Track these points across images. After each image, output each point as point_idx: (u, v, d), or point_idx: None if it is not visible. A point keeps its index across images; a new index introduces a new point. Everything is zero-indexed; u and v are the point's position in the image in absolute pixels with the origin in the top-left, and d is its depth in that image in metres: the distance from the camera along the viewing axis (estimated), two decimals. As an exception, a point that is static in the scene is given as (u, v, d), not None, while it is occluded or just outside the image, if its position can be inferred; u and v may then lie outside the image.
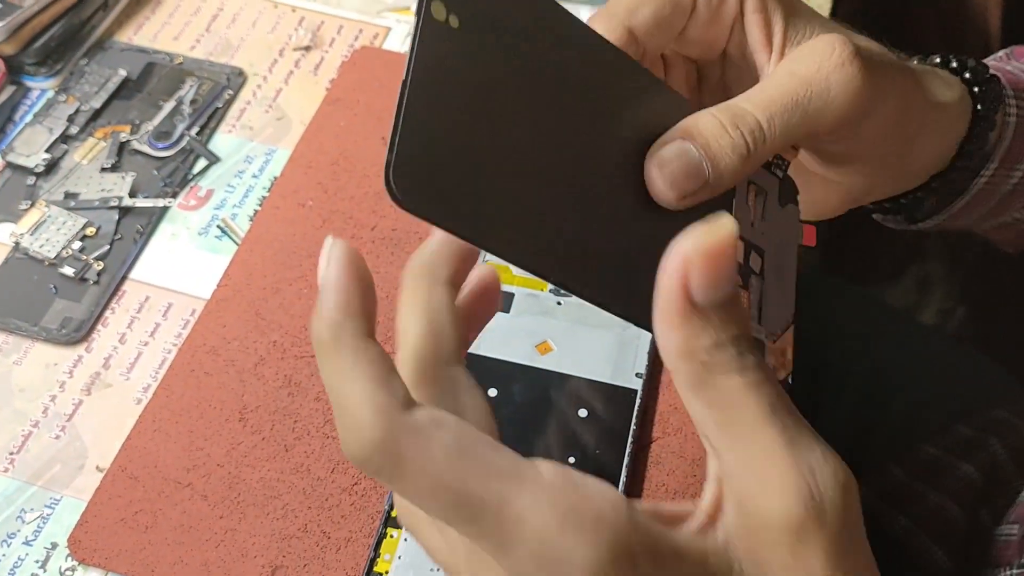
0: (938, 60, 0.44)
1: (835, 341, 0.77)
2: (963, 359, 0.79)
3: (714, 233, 0.25)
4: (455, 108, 0.27)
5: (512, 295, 0.49)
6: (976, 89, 0.43)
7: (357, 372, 0.26)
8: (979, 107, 0.42)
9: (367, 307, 0.28)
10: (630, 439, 0.45)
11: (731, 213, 0.33)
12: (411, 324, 0.30)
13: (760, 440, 0.26)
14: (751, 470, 0.26)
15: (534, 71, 0.29)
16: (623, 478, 0.44)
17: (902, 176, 0.43)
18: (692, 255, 0.25)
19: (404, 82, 0.26)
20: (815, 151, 0.39)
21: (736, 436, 0.27)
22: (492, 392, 0.45)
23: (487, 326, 0.34)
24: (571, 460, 0.44)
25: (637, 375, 0.47)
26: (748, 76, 0.38)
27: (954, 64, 0.44)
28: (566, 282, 0.29)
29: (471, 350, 0.39)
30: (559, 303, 0.49)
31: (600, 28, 0.35)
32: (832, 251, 0.92)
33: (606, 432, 0.45)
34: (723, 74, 0.41)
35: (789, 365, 0.36)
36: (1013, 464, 0.71)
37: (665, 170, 0.32)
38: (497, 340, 0.48)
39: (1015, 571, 0.54)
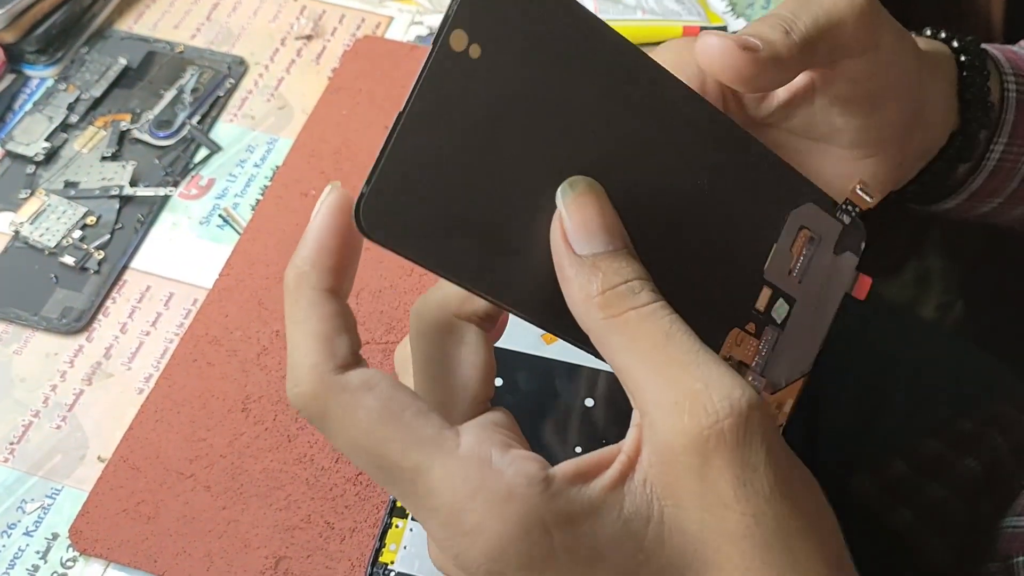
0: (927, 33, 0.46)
1: (836, 336, 0.77)
2: (963, 353, 0.79)
3: (573, 191, 0.28)
4: (445, 148, 0.27)
5: None
6: (955, 44, 0.44)
7: (306, 326, 0.28)
8: (963, 58, 0.43)
9: (340, 262, 0.29)
10: None
11: (767, 258, 0.32)
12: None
13: (659, 368, 0.27)
14: (655, 400, 0.27)
15: (551, 106, 0.28)
16: None
17: (918, 142, 0.43)
18: (562, 211, 0.28)
19: (400, 114, 0.26)
20: (840, 105, 0.39)
21: (639, 371, 0.27)
22: (498, 382, 0.45)
23: None
24: (577, 450, 0.44)
25: None
26: None
27: (942, 35, 0.45)
28: (525, 314, 0.29)
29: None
30: None
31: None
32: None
33: (612, 421, 0.45)
34: None
35: (783, 418, 0.36)
36: (1014, 458, 0.71)
37: (713, 48, 0.33)
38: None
39: None
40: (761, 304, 0.32)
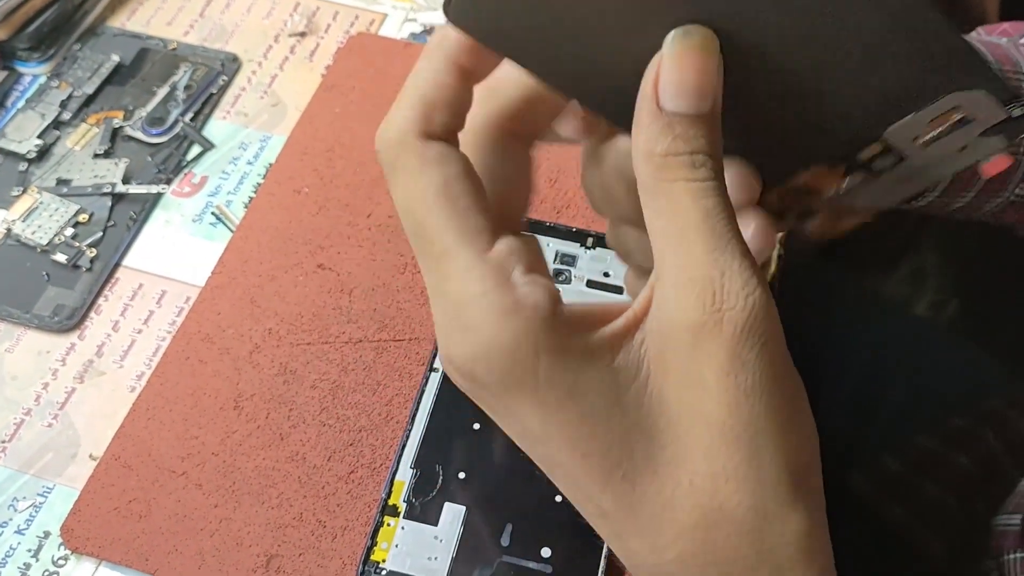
0: None
1: (831, 332, 0.77)
2: (957, 351, 0.79)
3: (683, 42, 0.27)
4: None
5: None
6: None
7: (422, 80, 0.28)
8: None
9: (481, 59, 0.29)
10: None
11: (896, 121, 0.30)
12: (512, 80, 0.30)
13: (687, 244, 0.27)
14: (673, 272, 0.27)
15: None
16: None
17: None
18: (664, 59, 0.27)
19: None
20: None
21: (669, 239, 0.27)
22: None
23: None
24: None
25: None
26: None
27: None
28: (577, 97, 0.30)
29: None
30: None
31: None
32: (828, 242, 0.92)
33: None
34: None
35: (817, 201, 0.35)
36: (1009, 455, 0.71)
37: None
38: None
39: (1020, 555, 0.54)
40: (866, 155, 0.31)
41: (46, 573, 0.43)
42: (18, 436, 0.47)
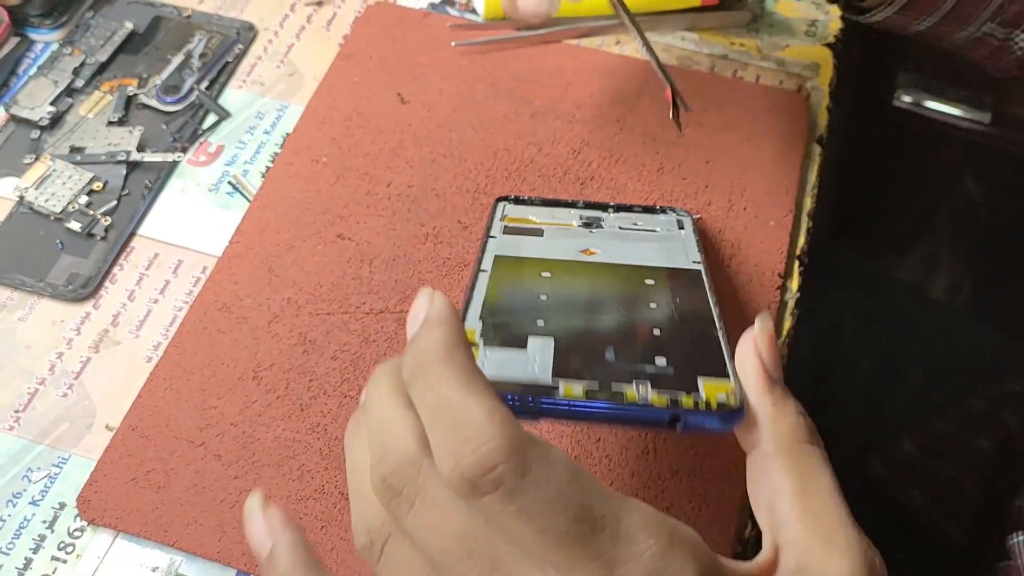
0: None
1: (847, 317, 0.76)
2: (973, 333, 0.79)
3: (766, 322, 0.33)
4: None
5: (541, 230, 0.46)
6: None
7: (476, 386, 0.27)
8: None
9: (469, 347, 0.29)
10: (716, 322, 0.38)
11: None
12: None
13: (831, 510, 0.29)
14: (819, 535, 0.29)
15: None
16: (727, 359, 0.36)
17: None
18: (760, 338, 0.32)
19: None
20: None
21: (808, 505, 0.29)
22: (543, 297, 0.39)
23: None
24: (660, 362, 0.35)
25: (694, 262, 0.43)
26: None
27: None
28: None
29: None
30: (591, 231, 0.46)
31: None
32: (839, 227, 0.91)
33: (688, 318, 0.39)
34: None
35: None
36: None
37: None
38: (536, 250, 0.44)
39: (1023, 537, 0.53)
40: None
41: (61, 545, 0.42)
42: (32, 406, 0.46)
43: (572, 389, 0.32)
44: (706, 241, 0.51)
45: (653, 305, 0.39)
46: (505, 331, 0.35)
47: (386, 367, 0.30)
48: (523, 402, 0.31)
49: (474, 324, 0.36)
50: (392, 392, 0.29)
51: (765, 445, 0.31)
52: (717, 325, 0.37)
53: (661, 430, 0.32)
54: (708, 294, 0.40)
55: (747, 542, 0.43)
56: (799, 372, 0.72)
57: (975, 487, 0.70)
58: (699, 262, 0.43)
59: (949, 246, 0.91)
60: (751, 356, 0.32)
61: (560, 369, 0.33)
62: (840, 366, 0.75)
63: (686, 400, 0.32)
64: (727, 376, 0.33)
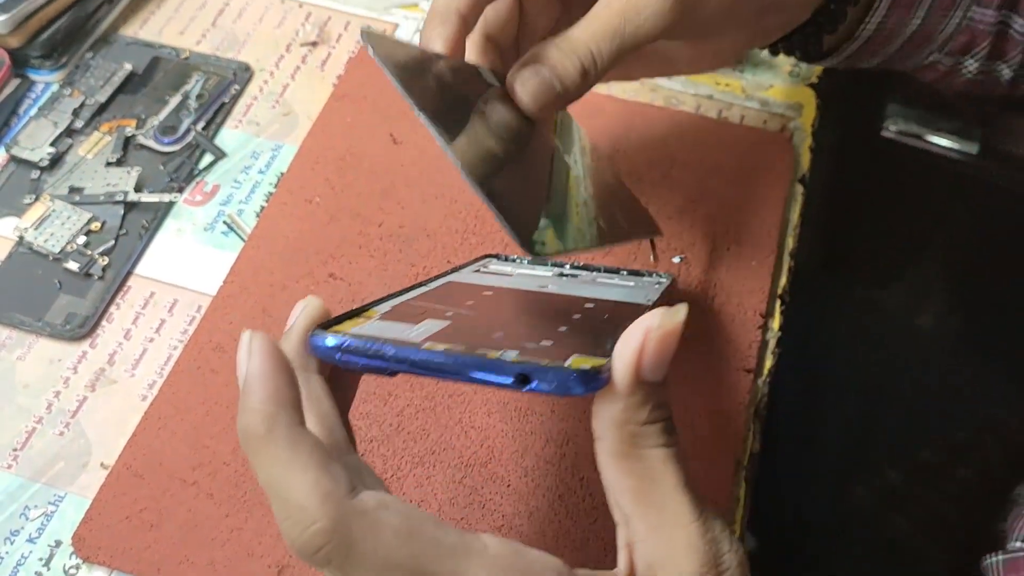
0: None
1: (835, 346, 0.77)
2: (959, 363, 0.80)
3: (675, 316, 0.29)
4: None
5: (511, 274, 0.46)
6: None
7: (297, 461, 0.27)
8: None
9: (295, 396, 0.29)
10: None
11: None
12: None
13: (672, 508, 0.29)
14: (663, 535, 0.29)
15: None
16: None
17: (770, 27, 0.46)
18: (654, 332, 0.29)
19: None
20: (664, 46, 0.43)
21: (651, 504, 0.29)
22: (469, 302, 0.39)
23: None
24: (543, 343, 0.33)
25: (647, 300, 0.43)
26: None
27: None
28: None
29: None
30: (561, 278, 0.46)
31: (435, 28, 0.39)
32: (832, 254, 0.92)
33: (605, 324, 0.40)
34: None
35: None
36: (1006, 465, 0.71)
37: (526, 85, 0.38)
38: (491, 279, 0.44)
39: (999, 558, 0.54)
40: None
41: (58, 582, 0.43)
42: (30, 444, 0.47)
43: (433, 347, 0.30)
44: (687, 283, 0.52)
45: (576, 316, 0.38)
46: (409, 314, 0.35)
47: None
48: (378, 351, 0.30)
49: (383, 307, 0.36)
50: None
51: (608, 443, 0.30)
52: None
53: (510, 390, 0.30)
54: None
55: None
56: (785, 400, 0.73)
57: (957, 514, 0.71)
58: (651, 302, 0.42)
59: (938, 277, 0.92)
60: (631, 347, 0.29)
61: (435, 337, 0.31)
62: (827, 395, 0.76)
63: (543, 362, 0.29)
64: (605, 357, 0.30)
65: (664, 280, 0.47)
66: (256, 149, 0.58)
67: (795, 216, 0.56)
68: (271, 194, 0.55)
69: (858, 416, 0.74)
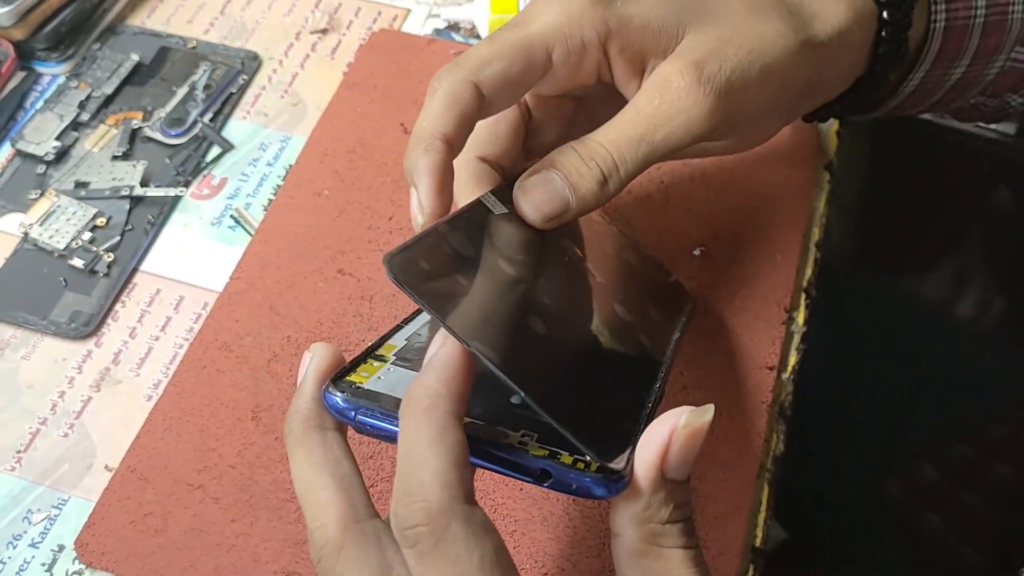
0: None
1: (871, 337, 0.75)
2: (999, 355, 0.77)
3: (702, 416, 0.29)
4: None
5: None
6: (885, 14, 0.41)
7: (440, 447, 0.28)
8: (885, 15, 0.41)
9: (467, 392, 0.30)
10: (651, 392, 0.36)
11: None
12: (320, 487, 0.32)
13: None
14: None
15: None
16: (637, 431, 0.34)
17: (809, 106, 0.44)
18: (680, 432, 0.29)
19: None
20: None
21: None
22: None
23: None
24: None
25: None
26: (621, 102, 0.38)
27: None
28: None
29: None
30: None
31: (446, 81, 0.35)
32: (866, 242, 0.90)
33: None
34: (597, 101, 0.42)
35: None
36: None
37: (529, 196, 0.35)
38: None
39: None
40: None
41: (60, 588, 0.42)
42: (34, 446, 0.46)
43: None
44: (707, 277, 0.50)
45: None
46: (421, 357, 0.34)
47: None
48: (393, 424, 0.30)
49: (399, 341, 0.36)
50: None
51: (627, 541, 0.30)
52: (649, 395, 0.35)
53: (531, 483, 0.30)
54: (662, 363, 0.38)
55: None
56: (817, 394, 0.71)
57: (993, 513, 0.68)
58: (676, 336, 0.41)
59: (976, 265, 0.89)
60: (656, 445, 0.29)
61: None
62: (860, 388, 0.73)
63: (565, 458, 0.29)
64: (627, 446, 0.30)
65: (686, 304, 0.45)
66: (264, 140, 0.56)
67: (821, 205, 0.54)
68: (279, 187, 0.54)
69: (892, 410, 0.72)
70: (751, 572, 0.42)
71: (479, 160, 0.40)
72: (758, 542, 0.43)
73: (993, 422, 0.71)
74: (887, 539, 0.70)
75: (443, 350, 0.30)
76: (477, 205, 0.36)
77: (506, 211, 0.37)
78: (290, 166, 0.55)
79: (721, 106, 0.36)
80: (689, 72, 0.36)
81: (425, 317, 0.38)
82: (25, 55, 0.58)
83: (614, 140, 0.36)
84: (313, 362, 0.33)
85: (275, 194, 0.54)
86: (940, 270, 0.88)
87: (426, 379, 0.29)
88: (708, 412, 0.29)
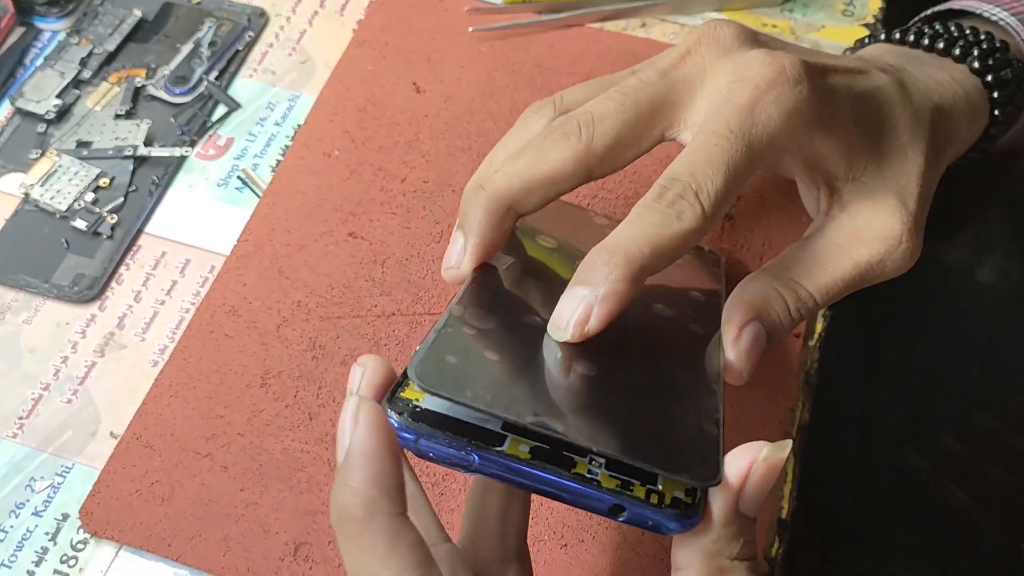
0: (956, 49, 0.43)
1: (893, 303, 0.73)
2: (1019, 325, 0.75)
3: (781, 451, 0.27)
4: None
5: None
6: (996, 95, 0.42)
7: (394, 560, 0.25)
8: (996, 112, 0.43)
9: (400, 481, 0.26)
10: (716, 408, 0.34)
11: None
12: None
13: None
14: None
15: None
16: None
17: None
18: (761, 465, 0.27)
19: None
20: None
21: None
22: None
23: None
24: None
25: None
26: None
27: (975, 64, 0.42)
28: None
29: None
30: None
31: (559, 151, 0.35)
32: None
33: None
34: None
35: None
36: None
37: (745, 353, 0.34)
38: None
39: None
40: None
41: (64, 558, 0.41)
42: (36, 412, 0.44)
43: (518, 447, 0.28)
44: (731, 243, 0.48)
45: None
46: None
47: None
48: (457, 452, 0.28)
49: None
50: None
51: (692, 575, 0.28)
52: (718, 387, 0.33)
53: (602, 516, 0.28)
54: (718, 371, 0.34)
55: (773, 560, 0.41)
56: (839, 365, 0.70)
57: (1018, 486, 0.67)
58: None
59: (1002, 228, 0.87)
60: (733, 477, 0.28)
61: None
62: (883, 359, 0.72)
63: (637, 489, 0.28)
64: (717, 458, 0.29)
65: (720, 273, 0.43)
66: (272, 100, 0.54)
67: (851, 167, 0.52)
68: (287, 147, 0.52)
69: (915, 381, 0.70)
70: (776, 545, 0.41)
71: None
72: (784, 514, 0.42)
73: (1016, 391, 0.69)
74: (908, 512, 0.69)
75: (360, 435, 0.26)
76: (483, 270, 0.35)
77: (512, 260, 0.36)
78: (299, 126, 0.53)
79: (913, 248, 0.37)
80: (915, 228, 0.36)
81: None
82: (24, 10, 0.56)
83: (825, 288, 0.35)
84: (367, 375, 0.29)
85: (283, 155, 0.52)
86: (964, 237, 0.87)
87: (353, 481, 0.25)
88: (787, 447, 0.28)
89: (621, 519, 0.28)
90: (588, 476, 0.28)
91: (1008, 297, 0.82)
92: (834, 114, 0.36)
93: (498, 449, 0.28)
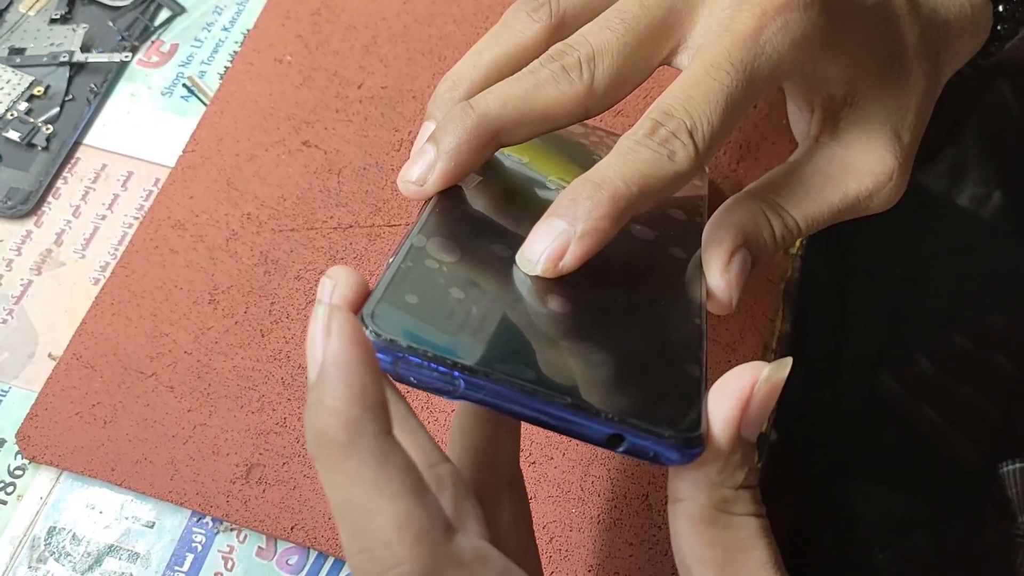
0: None
1: (869, 225, 0.71)
2: (1000, 247, 0.75)
3: (782, 370, 0.26)
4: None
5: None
6: (1001, 8, 0.40)
7: (384, 484, 0.22)
8: (998, 28, 0.40)
9: (383, 397, 0.23)
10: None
11: None
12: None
13: None
14: None
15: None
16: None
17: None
18: (762, 385, 0.26)
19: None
20: None
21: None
22: None
23: None
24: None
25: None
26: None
27: None
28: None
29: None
30: None
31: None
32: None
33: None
34: None
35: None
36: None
37: (736, 282, 0.32)
38: None
39: (1019, 465, 0.51)
40: None
41: (1, 485, 0.39)
42: (-31, 333, 0.42)
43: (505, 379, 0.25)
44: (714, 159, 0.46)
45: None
46: None
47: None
48: (443, 377, 0.25)
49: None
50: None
51: (693, 507, 0.26)
52: (701, 319, 0.30)
53: (598, 446, 0.26)
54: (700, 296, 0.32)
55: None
56: (814, 284, 0.68)
57: (991, 406, 0.67)
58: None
59: (978, 154, 0.86)
60: (734, 401, 0.26)
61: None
62: (858, 279, 0.71)
63: (637, 423, 0.25)
64: (699, 403, 0.27)
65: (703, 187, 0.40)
66: (219, 3, 0.51)
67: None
68: (236, 53, 0.49)
69: (890, 302, 0.69)
70: (756, 459, 0.39)
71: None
72: (764, 428, 0.40)
73: (992, 313, 0.68)
74: (881, 434, 0.68)
75: (335, 347, 0.22)
76: (448, 191, 0.31)
77: (480, 179, 0.32)
78: (248, 30, 0.49)
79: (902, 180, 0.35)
80: (906, 164, 0.35)
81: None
82: (-52, -93, 0.52)
83: (812, 216, 0.34)
84: (338, 288, 0.26)
85: (232, 61, 0.49)
86: (938, 162, 0.85)
87: (330, 400, 0.22)
88: (787, 365, 0.26)
89: (620, 450, 0.25)
90: (584, 405, 0.25)
91: (985, 221, 0.81)
92: (844, 36, 0.33)
93: (489, 373, 0.25)
